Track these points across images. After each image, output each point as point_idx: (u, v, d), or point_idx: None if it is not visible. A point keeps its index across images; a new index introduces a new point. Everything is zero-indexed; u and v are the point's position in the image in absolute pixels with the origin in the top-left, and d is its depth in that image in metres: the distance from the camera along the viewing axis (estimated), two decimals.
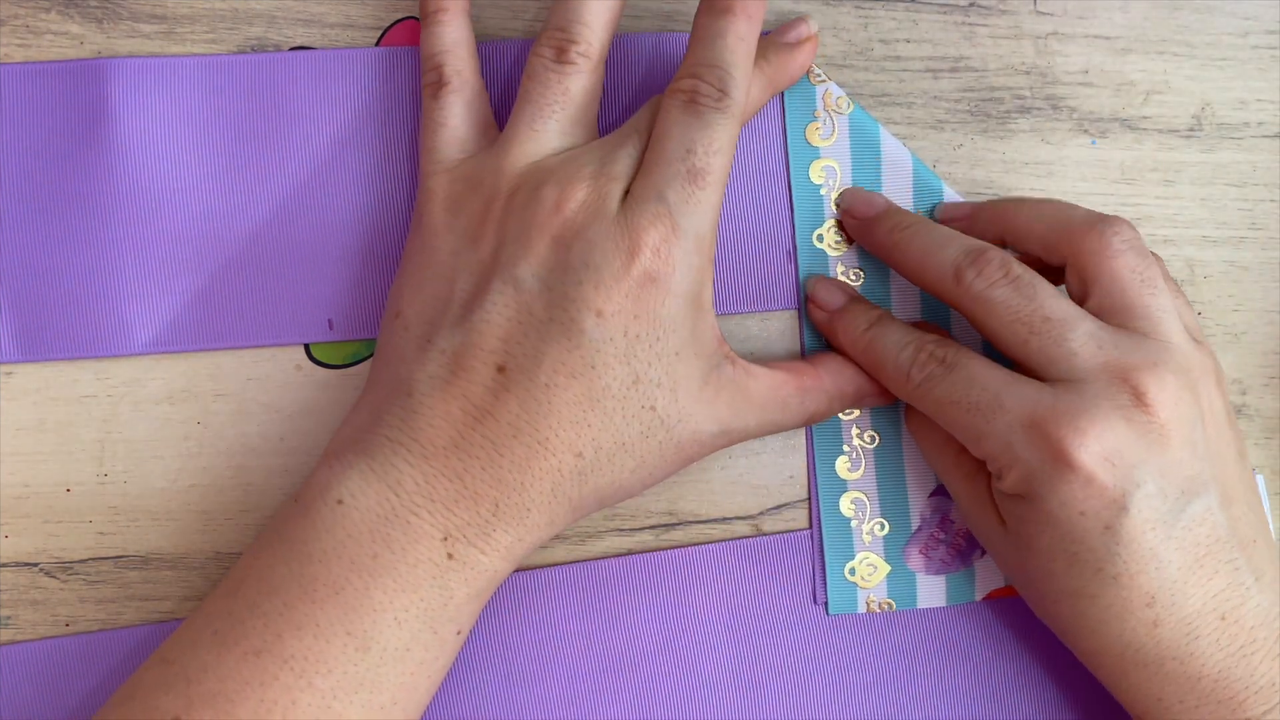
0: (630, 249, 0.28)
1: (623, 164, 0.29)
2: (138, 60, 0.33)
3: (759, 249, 0.35)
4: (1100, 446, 0.28)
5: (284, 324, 0.33)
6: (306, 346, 0.34)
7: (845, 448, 0.35)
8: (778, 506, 0.35)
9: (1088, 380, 0.28)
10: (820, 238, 0.35)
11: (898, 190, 0.35)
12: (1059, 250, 0.31)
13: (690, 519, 0.35)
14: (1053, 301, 0.30)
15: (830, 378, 0.32)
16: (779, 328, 0.35)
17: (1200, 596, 0.28)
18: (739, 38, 0.30)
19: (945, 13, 0.36)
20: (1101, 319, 0.30)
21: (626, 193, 0.29)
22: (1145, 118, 0.37)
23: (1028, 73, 0.36)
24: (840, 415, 0.35)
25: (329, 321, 0.33)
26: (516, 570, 0.34)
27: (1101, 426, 0.28)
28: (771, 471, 0.35)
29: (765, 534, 0.35)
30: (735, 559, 0.34)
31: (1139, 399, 0.28)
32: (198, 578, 0.33)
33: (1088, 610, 0.29)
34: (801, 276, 0.35)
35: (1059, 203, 0.32)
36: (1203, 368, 0.30)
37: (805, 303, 0.34)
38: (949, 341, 0.31)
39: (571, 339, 0.28)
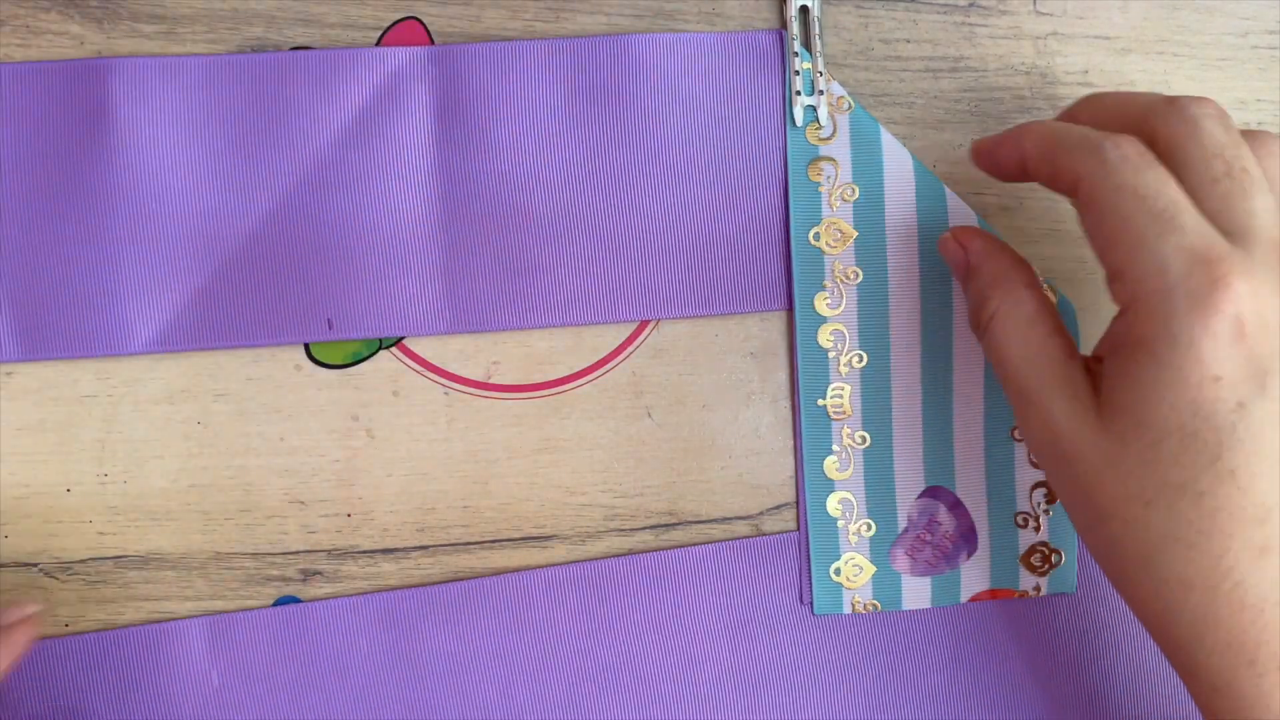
0: None
1: None
2: (138, 60, 0.33)
3: (759, 248, 0.35)
4: (1258, 306, 0.25)
5: (283, 324, 0.33)
6: (306, 346, 0.34)
7: (835, 447, 0.35)
8: (778, 506, 0.35)
9: (1260, 245, 0.26)
10: (817, 236, 0.35)
11: (898, 189, 0.35)
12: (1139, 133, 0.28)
13: (690, 519, 0.35)
14: (1255, 162, 0.27)
15: None
16: (782, 327, 0.35)
17: None
18: None
19: (945, 13, 0.36)
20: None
21: None
22: None
23: (1028, 73, 0.36)
24: (831, 416, 0.35)
25: (328, 321, 0.33)
26: (516, 571, 0.34)
27: (1267, 289, 0.25)
28: (771, 472, 0.35)
29: (765, 534, 0.35)
30: (735, 559, 0.34)
31: None
32: (198, 578, 0.33)
33: (1189, 514, 0.25)
34: (796, 276, 0.35)
35: (1116, 93, 0.30)
36: None
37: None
38: (1150, 152, 0.28)
39: None
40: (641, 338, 0.35)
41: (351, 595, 0.33)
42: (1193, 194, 0.27)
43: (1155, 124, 0.28)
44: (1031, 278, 0.30)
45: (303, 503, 0.33)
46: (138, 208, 0.33)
